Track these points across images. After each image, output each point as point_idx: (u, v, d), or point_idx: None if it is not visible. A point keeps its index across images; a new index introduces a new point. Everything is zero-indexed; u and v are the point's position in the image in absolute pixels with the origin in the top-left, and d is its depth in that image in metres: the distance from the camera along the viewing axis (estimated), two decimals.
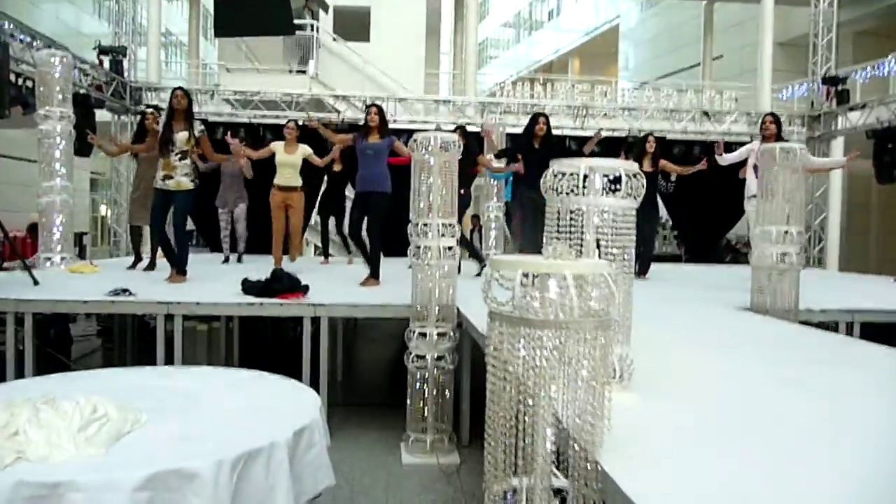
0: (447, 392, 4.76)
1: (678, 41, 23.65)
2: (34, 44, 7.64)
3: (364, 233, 6.40)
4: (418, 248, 4.73)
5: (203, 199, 10.19)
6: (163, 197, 6.13)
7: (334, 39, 14.29)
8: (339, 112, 11.24)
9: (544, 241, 2.45)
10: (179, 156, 6.06)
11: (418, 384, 4.74)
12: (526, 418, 1.70)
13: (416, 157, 4.77)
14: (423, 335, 4.72)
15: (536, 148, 6.41)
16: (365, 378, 7.47)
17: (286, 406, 2.83)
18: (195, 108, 10.85)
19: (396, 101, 11.14)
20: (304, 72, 13.06)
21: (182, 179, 6.08)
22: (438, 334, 4.71)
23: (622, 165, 2.32)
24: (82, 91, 8.90)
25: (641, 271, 7.74)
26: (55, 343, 6.17)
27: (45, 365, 5.25)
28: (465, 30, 14.37)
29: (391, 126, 10.93)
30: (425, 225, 4.69)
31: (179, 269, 6.19)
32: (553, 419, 1.70)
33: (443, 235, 4.67)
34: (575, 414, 1.69)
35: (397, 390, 5.96)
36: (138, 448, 2.22)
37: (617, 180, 2.39)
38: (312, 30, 13.59)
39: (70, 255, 7.32)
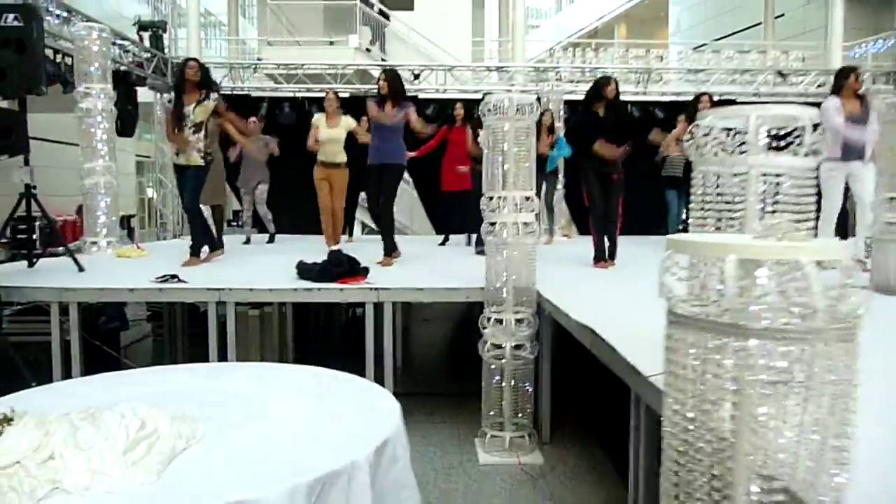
0: (527, 385, 4.28)
1: (734, 1, 22.43)
2: (71, 20, 7.28)
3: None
4: (493, 224, 4.23)
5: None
6: (179, 173, 5.86)
7: (380, 13, 13.71)
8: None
9: (687, 216, 1.92)
10: (193, 129, 5.65)
11: (495, 376, 4.27)
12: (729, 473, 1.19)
13: (489, 121, 4.24)
14: (500, 321, 4.23)
15: (602, 116, 5.70)
16: (424, 364, 7.02)
17: (362, 413, 2.38)
18: (234, 84, 10.64)
19: (447, 71, 10.56)
20: (367, 47, 12.54)
21: (193, 154, 5.69)
22: (517, 321, 4.21)
23: (805, 113, 1.77)
24: (123, 68, 8.55)
25: None
26: (104, 332, 5.86)
27: (93, 357, 4.94)
28: None
29: (440, 96, 10.54)
30: (500, 199, 4.18)
31: (192, 250, 5.91)
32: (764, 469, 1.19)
33: (520, 210, 4.15)
34: (809, 466, 1.17)
35: (461, 378, 5.54)
36: (196, 472, 1.80)
37: (785, 136, 1.84)
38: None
39: (116, 239, 7.01)
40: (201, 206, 7.10)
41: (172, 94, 5.75)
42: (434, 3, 15.31)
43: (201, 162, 5.72)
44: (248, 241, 8.42)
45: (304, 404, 2.40)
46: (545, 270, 4.66)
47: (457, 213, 7.70)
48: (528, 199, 4.19)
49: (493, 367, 4.26)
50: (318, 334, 7.08)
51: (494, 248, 4.24)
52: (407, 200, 12.37)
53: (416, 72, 10.50)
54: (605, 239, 5.71)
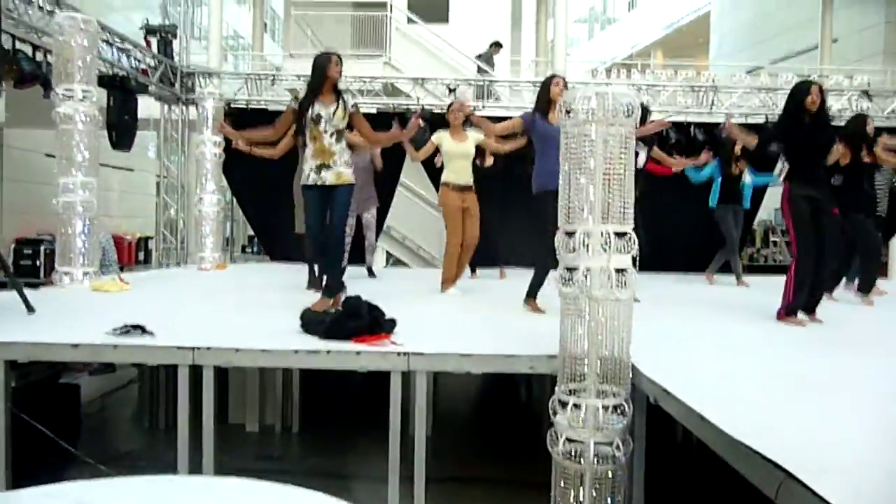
0: (618, 495, 3.01)
1: (782, 25, 21.37)
2: (56, 12, 6.26)
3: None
4: (571, 270, 3.01)
5: (261, 189, 8.83)
6: (319, 196, 4.56)
7: (410, 21, 12.70)
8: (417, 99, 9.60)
9: None
10: (335, 136, 4.52)
11: (571, 480, 3.01)
12: None
13: (568, 127, 3.05)
14: (578, 406, 2.99)
15: (808, 128, 4.49)
16: (457, 438, 5.67)
17: None
18: (250, 97, 9.56)
19: (486, 84, 9.44)
20: (379, 56, 11.52)
21: (343, 170, 4.55)
22: (604, 407, 2.96)
23: None
24: (121, 73, 7.55)
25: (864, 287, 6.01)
26: (61, 389, 4.69)
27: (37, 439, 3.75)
28: (554, 10, 12.55)
29: (479, 113, 9.39)
30: (584, 234, 2.96)
31: (329, 290, 4.58)
32: None
33: (615, 251, 2.93)
34: None
35: (500, 457, 4.32)
36: None
37: None
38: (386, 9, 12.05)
39: (94, 269, 5.87)
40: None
41: (300, 96, 4.57)
42: (470, 16, 14.31)
43: (353, 179, 4.63)
44: (371, 274, 7.40)
45: None
46: (653, 331, 3.47)
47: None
48: (625, 235, 2.97)
49: (566, 470, 3.01)
50: (333, 391, 5.85)
51: (574, 305, 3.01)
52: (437, 229, 11.24)
53: (451, 86, 9.39)
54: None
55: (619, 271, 2.95)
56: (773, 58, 21.29)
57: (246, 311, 4.63)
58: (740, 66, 18.27)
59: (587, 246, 2.96)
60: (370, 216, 7.23)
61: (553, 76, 5.08)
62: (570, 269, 3.01)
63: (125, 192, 14.67)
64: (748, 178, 7.18)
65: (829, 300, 5.78)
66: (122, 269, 9.98)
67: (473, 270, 7.45)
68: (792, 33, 20.32)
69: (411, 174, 9.94)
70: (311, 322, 3.67)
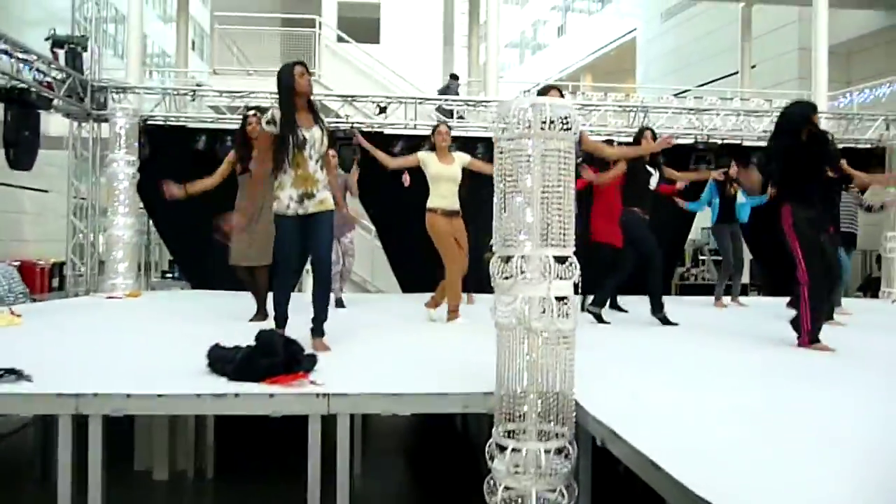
0: None
1: (704, 52, 22.17)
2: None
3: None
4: (507, 299, 2.73)
5: (180, 211, 8.22)
6: (298, 227, 4.11)
7: (341, 39, 12.39)
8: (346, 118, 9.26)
9: None
10: (319, 162, 4.10)
11: None
12: None
13: (502, 142, 2.78)
14: (518, 451, 2.69)
15: (806, 148, 4.37)
16: (387, 482, 5.23)
17: None
18: (168, 113, 8.96)
19: (417, 103, 9.18)
20: (311, 74, 11.10)
21: (326, 196, 4.16)
22: (546, 450, 2.68)
23: None
24: (20, 86, 6.94)
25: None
26: None
27: None
28: (487, 31, 12.49)
29: (409, 132, 9.16)
30: (521, 260, 2.69)
31: (322, 328, 4.19)
32: None
33: (556, 277, 2.66)
34: None
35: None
36: None
37: None
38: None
39: None
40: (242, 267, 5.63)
41: (273, 115, 4.07)
42: (402, 38, 14.12)
43: (332, 205, 4.23)
44: (340, 304, 6.93)
45: None
46: (606, 359, 3.20)
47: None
48: (565, 261, 2.71)
49: None
50: (253, 431, 5.37)
51: (511, 337, 2.73)
52: (367, 250, 10.87)
53: (382, 105, 9.10)
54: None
55: (560, 299, 2.69)
56: (696, 83, 21.96)
57: (150, 347, 4.17)
58: (668, 90, 18.74)
59: (524, 272, 2.69)
60: (347, 241, 6.90)
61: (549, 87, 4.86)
62: (507, 298, 2.74)
63: (39, 214, 13.73)
64: (742, 198, 7.37)
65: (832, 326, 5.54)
66: (33, 299, 9.20)
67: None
68: (713, 60, 21.03)
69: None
70: (219, 360, 3.27)
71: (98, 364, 3.55)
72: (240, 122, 5.94)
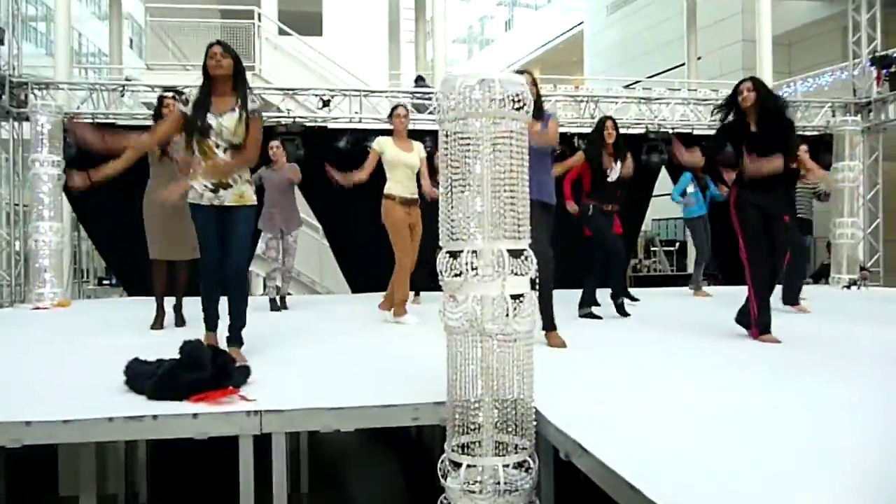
0: None
1: (650, 44, 22.38)
2: None
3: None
4: (457, 298, 2.45)
5: (110, 211, 7.70)
6: (215, 219, 3.70)
7: (282, 32, 11.94)
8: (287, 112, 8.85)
9: None
10: (229, 153, 3.65)
11: None
12: None
13: (446, 125, 2.50)
14: (473, 466, 2.42)
15: (755, 132, 4.14)
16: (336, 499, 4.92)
17: None
18: (96, 110, 8.34)
19: (361, 96, 8.83)
20: (250, 68, 10.67)
21: (245, 189, 3.74)
22: (504, 465, 2.41)
23: None
24: None
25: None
26: None
27: None
28: (433, 27, 12.20)
29: (354, 125, 8.80)
30: (471, 254, 2.41)
31: (238, 336, 3.79)
32: None
33: (511, 272, 2.40)
34: None
35: None
36: None
37: None
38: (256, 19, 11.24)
39: None
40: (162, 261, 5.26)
41: (188, 97, 3.70)
42: (346, 31, 13.71)
43: (254, 200, 3.81)
44: (277, 307, 6.53)
45: None
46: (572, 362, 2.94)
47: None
48: (521, 253, 2.45)
49: None
50: (192, 446, 4.98)
51: (461, 340, 2.45)
52: (315, 249, 10.48)
53: (325, 98, 8.73)
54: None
55: (516, 297, 2.43)
56: (643, 75, 22.16)
57: (64, 364, 3.76)
58: (618, 81, 18.79)
59: (475, 268, 2.41)
60: (292, 239, 6.51)
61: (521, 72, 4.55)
62: (456, 298, 2.46)
63: None
64: (711, 187, 7.39)
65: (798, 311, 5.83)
66: None
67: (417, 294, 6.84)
68: (659, 52, 21.21)
69: None
70: (139, 376, 2.91)
71: (1, 385, 3.15)
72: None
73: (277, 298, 6.61)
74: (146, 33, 14.25)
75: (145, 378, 2.86)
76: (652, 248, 17.03)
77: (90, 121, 8.30)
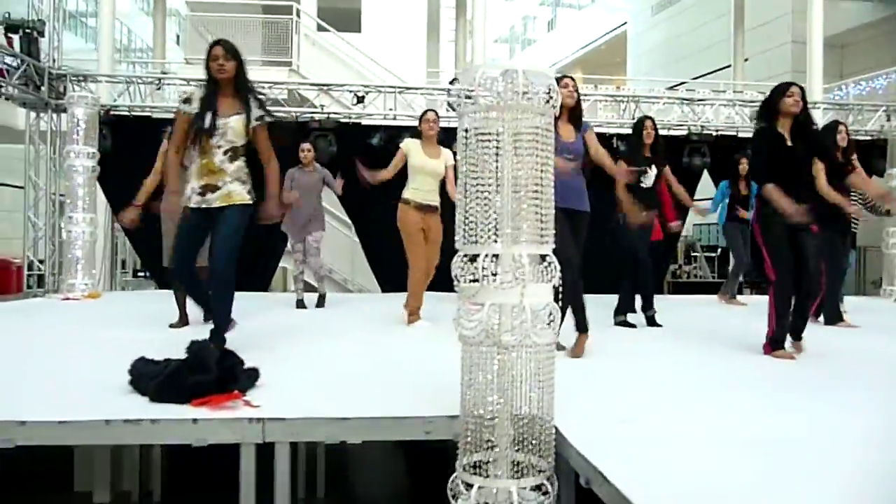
0: None
1: (696, 45, 21.86)
2: None
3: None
4: (474, 306, 2.27)
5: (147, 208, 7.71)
6: (198, 219, 3.66)
7: (321, 28, 11.89)
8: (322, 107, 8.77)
9: None
10: (229, 154, 3.59)
11: None
12: None
13: (466, 119, 2.32)
14: (487, 489, 2.23)
15: (790, 145, 3.91)
16: None
17: None
18: (132, 103, 8.37)
19: (396, 92, 8.70)
20: (287, 63, 10.66)
21: (234, 188, 3.64)
22: (521, 488, 2.22)
23: None
24: None
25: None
26: None
27: None
28: (473, 26, 12.02)
29: (388, 122, 8.68)
30: (490, 259, 2.23)
31: (218, 334, 3.70)
32: None
33: (531, 280, 2.21)
34: None
35: None
36: None
37: None
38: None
39: None
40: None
41: (192, 95, 3.66)
42: (384, 28, 13.62)
43: (248, 198, 3.69)
44: (302, 305, 6.53)
45: None
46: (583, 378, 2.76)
47: None
48: (544, 259, 2.26)
49: None
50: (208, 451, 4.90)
51: (477, 352, 2.27)
52: (347, 247, 10.39)
53: (359, 94, 8.61)
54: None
55: (539, 309, 2.24)
56: (688, 76, 21.67)
57: (74, 360, 3.69)
58: (661, 82, 18.36)
59: (494, 274, 2.23)
60: (313, 240, 6.39)
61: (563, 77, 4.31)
62: (473, 306, 2.28)
63: (15, 211, 13.24)
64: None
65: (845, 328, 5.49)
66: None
67: None
68: (705, 53, 20.71)
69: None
70: (143, 376, 2.80)
71: (4, 381, 3.07)
72: None
73: (304, 298, 6.52)
74: (186, 28, 14.35)
75: (149, 378, 2.75)
76: (693, 254, 16.56)
77: (126, 113, 8.37)
